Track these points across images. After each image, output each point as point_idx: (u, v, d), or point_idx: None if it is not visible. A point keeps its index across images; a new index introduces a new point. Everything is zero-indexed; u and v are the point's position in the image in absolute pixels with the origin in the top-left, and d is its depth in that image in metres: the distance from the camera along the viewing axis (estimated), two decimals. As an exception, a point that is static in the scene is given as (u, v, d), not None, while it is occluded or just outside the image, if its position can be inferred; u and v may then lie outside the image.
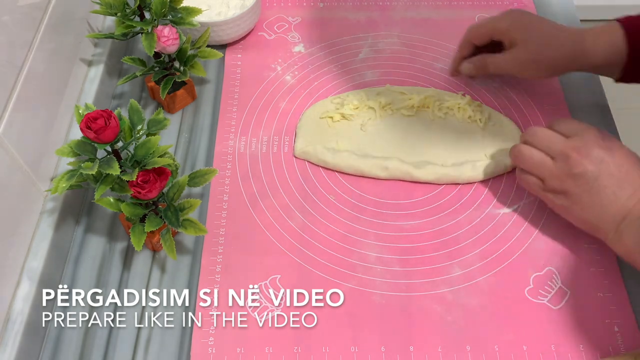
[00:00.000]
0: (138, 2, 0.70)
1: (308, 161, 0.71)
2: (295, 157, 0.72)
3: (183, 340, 0.59)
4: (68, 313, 0.61)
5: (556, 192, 0.60)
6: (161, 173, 0.58)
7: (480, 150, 0.70)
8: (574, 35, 0.68)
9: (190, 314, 0.60)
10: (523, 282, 0.62)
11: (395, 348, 0.58)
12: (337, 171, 0.70)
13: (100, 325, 0.60)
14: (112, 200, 0.59)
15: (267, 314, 0.60)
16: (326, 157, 0.70)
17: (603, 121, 0.74)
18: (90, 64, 0.76)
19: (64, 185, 0.56)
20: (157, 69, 0.73)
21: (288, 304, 0.61)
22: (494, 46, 0.72)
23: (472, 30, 0.73)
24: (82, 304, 0.61)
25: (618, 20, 0.67)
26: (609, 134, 0.61)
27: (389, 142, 0.72)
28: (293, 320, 0.60)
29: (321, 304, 0.61)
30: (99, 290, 0.62)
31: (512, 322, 0.60)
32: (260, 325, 0.60)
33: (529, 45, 0.68)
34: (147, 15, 0.71)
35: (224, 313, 0.60)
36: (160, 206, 0.61)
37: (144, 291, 0.62)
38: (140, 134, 0.60)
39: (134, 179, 0.55)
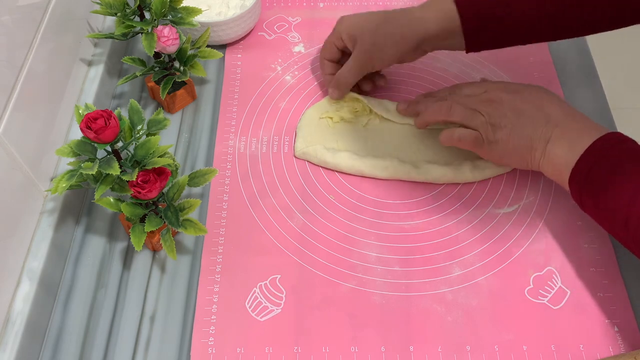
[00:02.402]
0: (138, 2, 0.70)
1: (308, 161, 0.71)
2: (295, 157, 0.72)
3: (183, 340, 0.59)
4: (68, 313, 0.61)
5: (493, 134, 0.63)
6: (161, 173, 0.58)
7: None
8: (400, 14, 0.68)
9: (190, 314, 0.60)
10: (523, 282, 0.62)
11: (395, 348, 0.58)
12: (337, 171, 0.70)
13: (100, 325, 0.60)
14: (112, 200, 0.59)
15: (267, 314, 0.60)
16: (326, 158, 0.70)
17: (603, 121, 0.74)
18: (90, 64, 0.76)
19: (64, 185, 0.56)
20: (157, 69, 0.73)
21: (288, 303, 0.61)
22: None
23: (322, 51, 0.75)
24: (82, 303, 0.61)
25: None
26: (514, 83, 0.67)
27: (389, 142, 0.72)
28: (293, 320, 0.60)
29: (321, 304, 0.61)
30: (99, 290, 0.62)
31: (512, 322, 0.60)
32: (261, 325, 0.60)
33: (362, 44, 0.69)
34: (147, 15, 0.71)
35: (224, 313, 0.60)
36: (160, 206, 0.61)
37: (143, 291, 0.62)
38: (140, 134, 0.60)
39: (134, 179, 0.55)
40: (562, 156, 0.59)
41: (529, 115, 0.62)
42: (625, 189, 0.54)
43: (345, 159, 0.69)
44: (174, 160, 0.61)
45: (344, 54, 0.73)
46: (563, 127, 0.60)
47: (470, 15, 0.65)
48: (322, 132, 0.73)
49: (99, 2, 0.69)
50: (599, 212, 0.57)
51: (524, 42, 0.69)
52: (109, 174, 0.55)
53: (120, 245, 0.65)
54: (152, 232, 0.62)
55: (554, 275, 0.62)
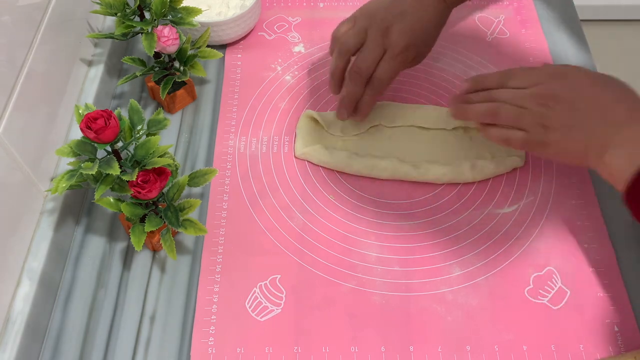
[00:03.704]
0: (138, 2, 0.70)
1: (308, 161, 0.71)
2: (295, 157, 0.72)
3: (183, 340, 0.59)
4: (68, 313, 0.61)
5: (545, 135, 0.58)
6: (161, 173, 0.58)
7: (480, 150, 0.70)
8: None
9: (190, 314, 0.60)
10: (523, 282, 0.62)
11: (395, 348, 0.58)
12: (337, 171, 0.70)
13: (101, 325, 0.60)
14: (112, 200, 0.59)
15: (267, 314, 0.60)
16: (326, 157, 0.70)
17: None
18: (90, 64, 0.76)
19: (64, 185, 0.56)
20: (157, 69, 0.73)
21: (288, 303, 0.61)
22: None
23: (342, 45, 0.67)
24: (82, 303, 0.61)
25: None
26: (561, 68, 0.60)
27: (388, 142, 0.72)
28: (293, 320, 0.60)
29: (321, 304, 0.61)
30: (99, 290, 0.62)
31: (512, 322, 0.60)
32: (261, 325, 0.60)
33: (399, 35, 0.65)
34: (147, 15, 0.71)
35: (224, 313, 0.60)
36: (160, 206, 0.61)
37: (143, 291, 0.62)
38: (140, 134, 0.60)
39: (134, 179, 0.55)
40: (618, 168, 0.54)
41: (585, 115, 0.56)
42: None
43: (345, 159, 0.69)
44: (174, 160, 0.61)
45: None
46: (622, 134, 0.54)
47: None
48: (322, 132, 0.73)
49: (99, 2, 0.69)
50: None
51: None
52: (109, 174, 0.55)
53: (120, 245, 0.65)
54: (152, 232, 0.62)
55: (554, 275, 0.62)
